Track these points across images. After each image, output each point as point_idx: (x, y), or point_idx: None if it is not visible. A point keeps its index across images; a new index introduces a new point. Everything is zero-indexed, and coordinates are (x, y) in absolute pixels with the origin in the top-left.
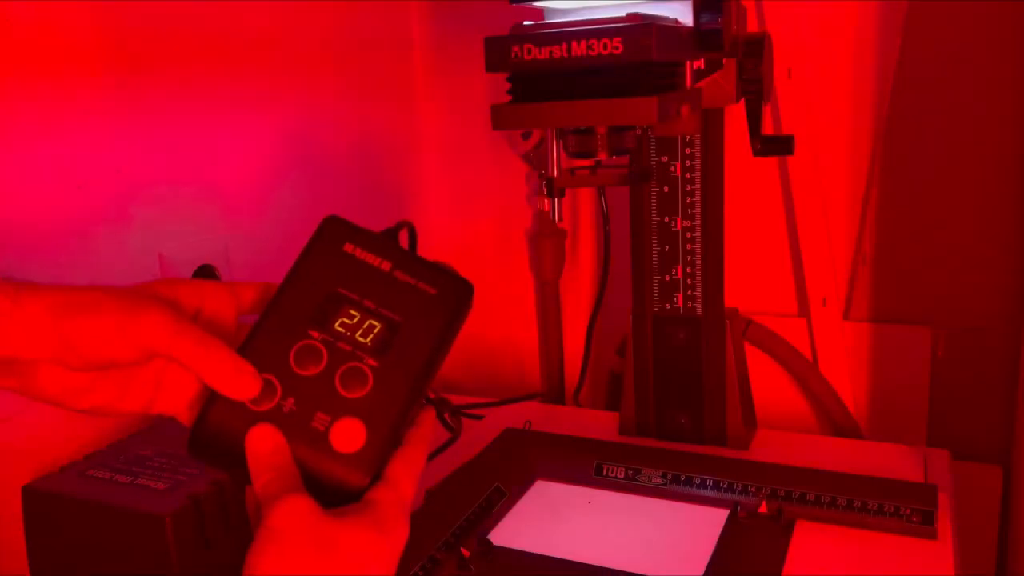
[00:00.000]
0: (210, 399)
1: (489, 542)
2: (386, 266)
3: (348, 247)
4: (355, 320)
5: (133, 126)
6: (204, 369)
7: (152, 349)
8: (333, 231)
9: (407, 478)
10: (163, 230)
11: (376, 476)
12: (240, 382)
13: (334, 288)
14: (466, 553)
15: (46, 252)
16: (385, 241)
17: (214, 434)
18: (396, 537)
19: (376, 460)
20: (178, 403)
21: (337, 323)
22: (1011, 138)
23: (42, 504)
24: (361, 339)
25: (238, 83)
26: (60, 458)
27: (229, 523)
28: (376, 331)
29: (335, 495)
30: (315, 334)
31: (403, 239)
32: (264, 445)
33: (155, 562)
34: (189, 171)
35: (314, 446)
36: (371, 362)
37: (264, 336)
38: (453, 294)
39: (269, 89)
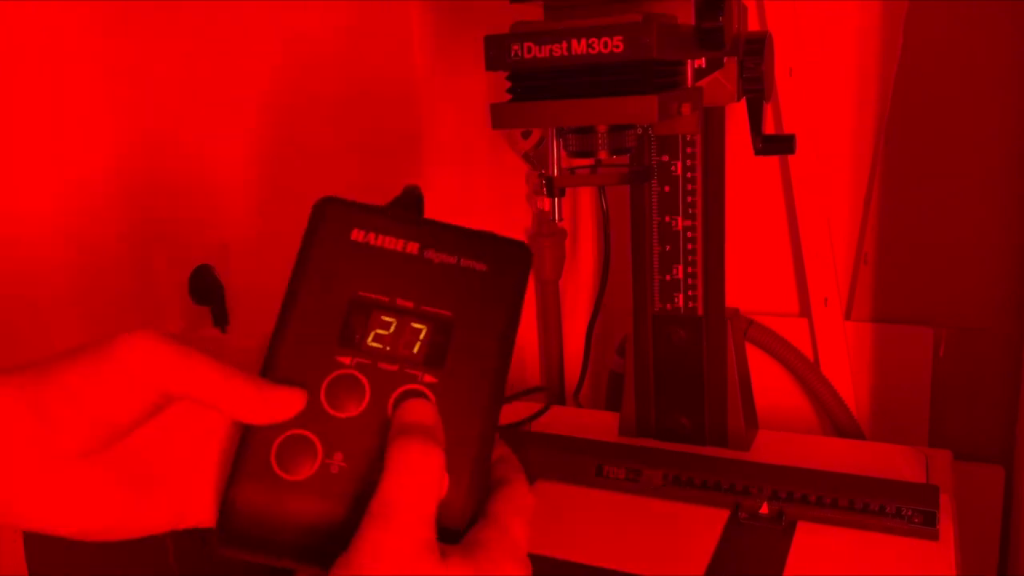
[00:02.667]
0: (230, 480)
1: None
2: (412, 248)
3: (357, 234)
4: (392, 328)
5: (133, 126)
6: (219, 392)
7: (152, 382)
8: (333, 217)
9: (515, 518)
10: (162, 230)
11: (472, 520)
12: (270, 398)
13: (353, 292)
14: None
15: (45, 252)
16: (401, 216)
17: (246, 520)
18: None
19: (464, 501)
20: (206, 506)
21: (370, 338)
22: (1012, 138)
23: None
24: (406, 351)
25: (238, 83)
26: None
27: None
28: (423, 336)
29: None
30: (346, 360)
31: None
32: None
33: (155, 563)
34: (188, 171)
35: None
36: (427, 379)
37: (279, 377)
38: (508, 264)
39: (269, 89)
